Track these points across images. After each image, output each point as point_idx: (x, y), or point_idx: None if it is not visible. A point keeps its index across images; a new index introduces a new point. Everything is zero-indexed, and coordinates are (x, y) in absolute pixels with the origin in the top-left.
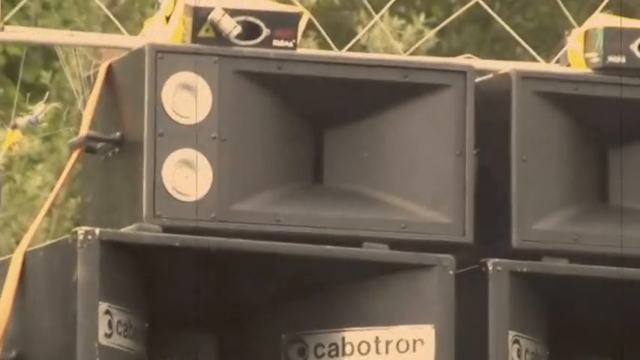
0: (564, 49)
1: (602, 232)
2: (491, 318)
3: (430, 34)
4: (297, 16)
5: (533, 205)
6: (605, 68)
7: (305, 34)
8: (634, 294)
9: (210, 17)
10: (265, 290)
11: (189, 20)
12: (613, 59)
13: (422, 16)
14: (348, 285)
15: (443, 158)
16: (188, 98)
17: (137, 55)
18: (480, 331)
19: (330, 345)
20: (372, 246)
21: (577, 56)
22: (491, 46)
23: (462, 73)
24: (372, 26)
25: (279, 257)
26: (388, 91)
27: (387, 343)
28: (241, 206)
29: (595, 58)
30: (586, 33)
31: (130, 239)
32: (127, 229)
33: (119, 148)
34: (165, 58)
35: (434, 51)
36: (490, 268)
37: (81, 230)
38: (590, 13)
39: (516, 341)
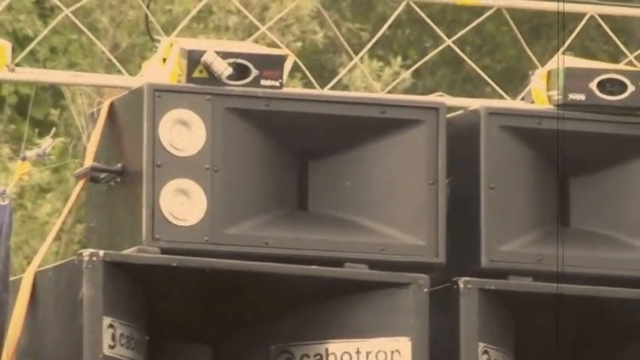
0: (528, 88)
1: (564, 253)
2: (462, 331)
3: (406, 74)
4: (283, 58)
5: (500, 229)
6: (566, 105)
7: (291, 75)
8: (593, 306)
9: (203, 59)
10: (255, 305)
11: (185, 62)
12: (573, 96)
13: (399, 59)
14: (331, 301)
15: (418, 187)
16: (183, 133)
17: (137, 93)
18: (452, 343)
19: (315, 355)
20: (353, 266)
21: (540, 94)
22: (462, 85)
23: (435, 109)
24: (353, 67)
25: (268, 276)
26: (368, 126)
27: (367, 354)
28: (232, 230)
29: (557, 95)
30: (549, 73)
31: (131, 260)
32: (128, 251)
33: (120, 178)
34: (163, 96)
35: (409, 90)
36: (461, 286)
37: (86, 252)
38: (552, 55)
39: (485, 352)
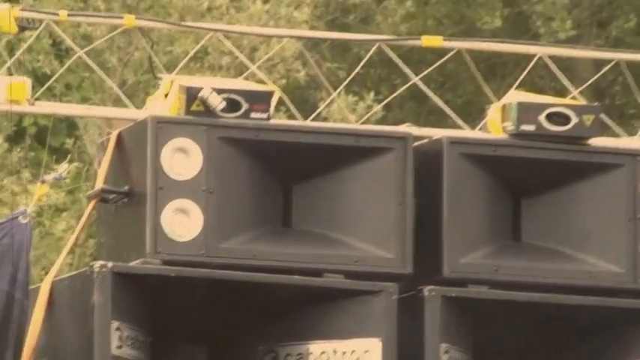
0: (485, 120)
1: (516, 264)
2: (426, 333)
3: (377, 108)
4: (270, 94)
5: (460, 244)
6: (519, 134)
7: (277, 108)
8: (547, 317)
9: (200, 95)
10: (245, 311)
11: (183, 97)
12: (525, 127)
13: (371, 94)
14: (311, 307)
15: (388, 206)
16: (182, 159)
17: (141, 124)
18: (418, 344)
19: (297, 354)
20: (330, 276)
21: (496, 125)
22: (426, 117)
23: (403, 138)
24: (331, 101)
25: (256, 285)
26: (344, 153)
27: (343, 353)
28: (225, 245)
29: (510, 126)
30: (503, 106)
31: (136, 271)
32: (133, 263)
33: (127, 199)
34: (164, 127)
35: (381, 121)
36: (426, 293)
37: (97, 264)
38: (506, 91)
39: (447, 351)
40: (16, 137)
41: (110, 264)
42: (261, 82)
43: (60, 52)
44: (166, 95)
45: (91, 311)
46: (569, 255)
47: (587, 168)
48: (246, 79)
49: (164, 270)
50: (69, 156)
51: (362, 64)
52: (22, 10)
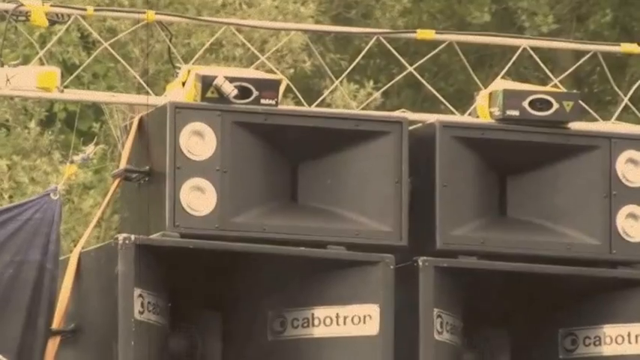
0: (474, 105)
1: (502, 237)
2: (421, 299)
3: (376, 95)
4: (278, 82)
5: (451, 218)
6: (504, 119)
7: (285, 95)
8: (528, 284)
9: (214, 83)
10: (255, 280)
11: (199, 85)
12: (510, 112)
13: (371, 82)
14: (316, 276)
15: (385, 184)
16: (198, 141)
17: (161, 110)
18: (413, 309)
19: (303, 319)
20: (333, 248)
21: (484, 110)
22: (421, 104)
23: (400, 123)
24: (334, 89)
25: (266, 256)
26: (345, 136)
27: (345, 317)
28: (237, 219)
29: (497, 111)
30: (490, 94)
31: (156, 243)
32: (154, 236)
33: (148, 178)
34: (182, 112)
35: (379, 107)
36: (420, 264)
37: (121, 237)
38: (494, 79)
39: (439, 316)
40: (47, 122)
41: (133, 237)
42: (270, 71)
43: (87, 44)
44: (184, 83)
45: (115, 280)
46: (550, 228)
47: (567, 149)
48: (257, 68)
49: (182, 242)
50: (95, 139)
51: (362, 55)
52: (52, 5)
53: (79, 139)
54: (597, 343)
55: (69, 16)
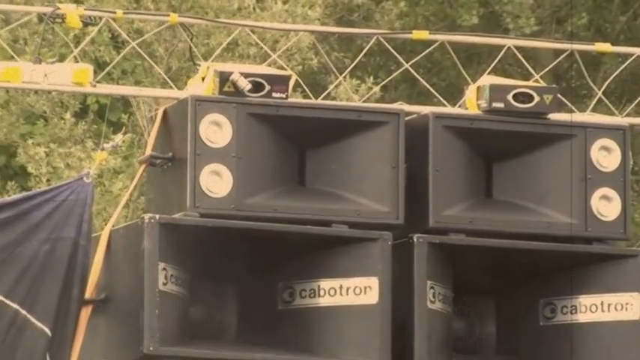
0: (464, 99)
1: (488, 217)
2: (415, 272)
3: (376, 89)
4: (288, 77)
5: (443, 200)
6: (491, 111)
7: (294, 89)
8: (512, 259)
9: (230, 78)
10: (267, 254)
11: (217, 80)
12: (496, 105)
13: (371, 78)
14: (321, 251)
15: (384, 169)
16: (216, 130)
17: (183, 102)
18: (408, 281)
19: (310, 289)
20: (337, 226)
21: (472, 103)
22: (416, 97)
23: (397, 114)
24: (338, 84)
25: (276, 234)
26: (348, 126)
27: (347, 288)
28: (251, 200)
29: (484, 104)
30: (478, 88)
31: (178, 222)
32: (176, 216)
33: (171, 163)
34: (202, 104)
35: (379, 100)
36: (415, 240)
37: (147, 216)
38: (481, 75)
39: (432, 287)
40: (81, 113)
41: (157, 216)
42: (281, 68)
43: (117, 43)
44: (203, 79)
45: (141, 255)
46: (532, 209)
47: (547, 138)
48: (269, 65)
49: (201, 221)
50: (124, 128)
51: (363, 53)
52: (86, 9)
53: (110, 128)
54: (573, 311)
55: (100, 18)
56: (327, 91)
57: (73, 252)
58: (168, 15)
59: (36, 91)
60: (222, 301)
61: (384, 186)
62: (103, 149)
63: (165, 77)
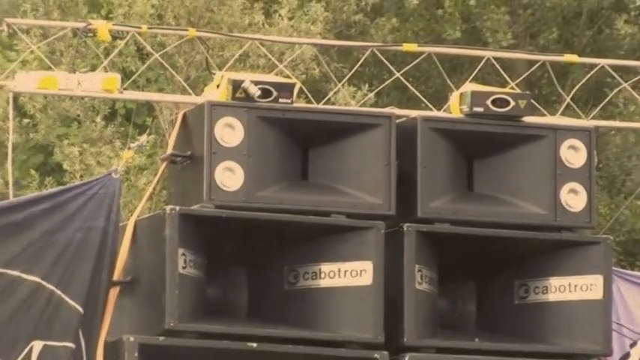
0: (448, 104)
1: (470, 208)
2: (405, 257)
3: (371, 95)
4: (293, 85)
5: (429, 193)
6: (472, 114)
7: (298, 96)
8: (491, 246)
9: (242, 85)
10: (275, 241)
11: (230, 87)
12: (476, 109)
13: (366, 86)
14: (322, 238)
15: (377, 166)
16: (229, 132)
17: (200, 107)
18: (399, 265)
19: (312, 272)
20: (336, 216)
21: (456, 107)
22: (406, 103)
23: (389, 117)
24: (337, 91)
25: (283, 223)
26: (346, 128)
27: (345, 271)
28: (260, 194)
29: (466, 108)
30: (461, 94)
31: (196, 213)
32: (194, 207)
33: (190, 161)
34: (216, 109)
35: (373, 105)
36: (405, 229)
37: (168, 208)
38: (464, 83)
39: (420, 270)
40: (110, 116)
41: (177, 208)
42: (286, 77)
43: (142, 55)
44: (218, 86)
45: (163, 242)
46: (508, 201)
47: (522, 138)
48: (276, 74)
49: (216, 212)
50: (148, 130)
51: (359, 63)
52: (114, 24)
53: (135, 130)
54: (545, 291)
55: (127, 33)
56: (327, 97)
57: (103, 239)
58: (187, 30)
59: (70, 97)
60: (235, 283)
61: (378, 181)
62: (129, 148)
63: (185, 85)
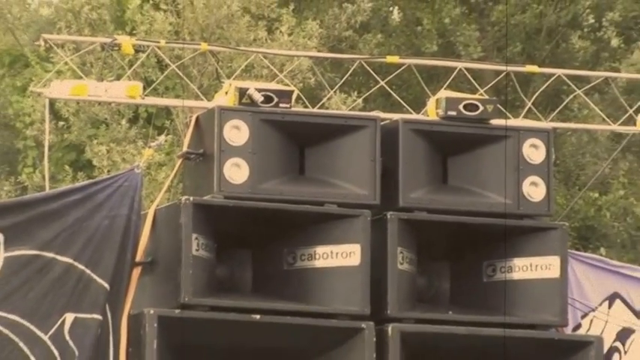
0: (426, 108)
1: (444, 199)
2: (389, 240)
3: (359, 101)
4: (291, 92)
5: (410, 185)
6: (446, 117)
7: (296, 101)
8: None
9: (247, 92)
10: (275, 227)
11: (237, 94)
12: (450, 113)
13: (355, 93)
14: (317, 224)
15: (364, 162)
16: (236, 132)
17: (211, 111)
18: (383, 247)
19: (308, 254)
20: (329, 205)
21: (432, 111)
22: (390, 107)
23: (374, 120)
24: (330, 97)
25: (282, 211)
26: (337, 129)
27: (337, 253)
28: (263, 186)
29: (441, 112)
30: (437, 100)
31: (208, 202)
32: (206, 198)
33: (202, 158)
34: (225, 112)
35: (361, 110)
36: (388, 216)
37: (183, 198)
38: (439, 90)
39: (401, 252)
40: (133, 119)
41: (191, 198)
42: (286, 85)
43: (161, 66)
44: (226, 93)
45: (179, 227)
46: (477, 192)
47: (489, 138)
48: (277, 83)
49: (225, 202)
50: (166, 131)
51: (349, 73)
52: (137, 40)
53: (155, 131)
54: (509, 271)
55: (148, 47)
56: (321, 102)
57: (127, 225)
58: (200, 44)
59: (99, 103)
60: (241, 263)
61: (365, 175)
62: (150, 147)
63: (198, 92)
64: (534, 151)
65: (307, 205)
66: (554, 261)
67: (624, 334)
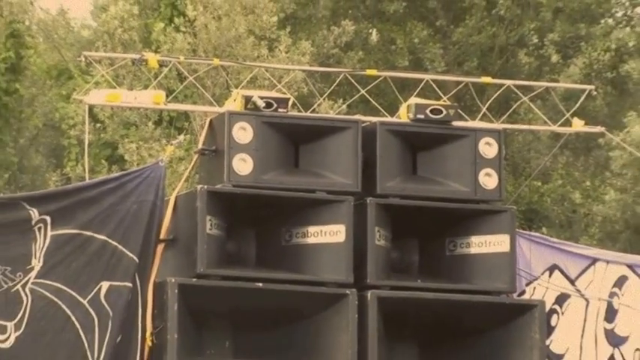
0: (399, 112)
1: (414, 187)
2: (368, 221)
3: (343, 106)
4: (288, 99)
5: (386, 175)
6: (416, 120)
7: (292, 107)
8: (429, 213)
9: (252, 99)
10: (276, 210)
11: (243, 101)
12: (419, 116)
13: (341, 100)
14: (309, 208)
15: (348, 157)
16: (243, 133)
17: (222, 115)
18: (363, 227)
19: (302, 233)
20: (319, 193)
21: (404, 115)
22: (370, 112)
23: (357, 122)
24: (320, 104)
25: (280, 197)
26: (326, 129)
27: (326, 232)
28: (265, 177)
29: (411, 115)
30: (408, 106)
31: (219, 190)
32: (217, 186)
33: (215, 153)
34: (233, 116)
35: (346, 114)
36: (368, 202)
37: (199, 187)
38: (409, 97)
39: (379, 231)
40: (158, 122)
41: (206, 186)
42: (284, 93)
43: (181, 78)
44: (235, 100)
45: (196, 210)
46: (442, 182)
47: (451, 137)
48: (277, 92)
49: (233, 190)
50: (185, 131)
51: (335, 84)
52: (161, 56)
53: (176, 132)
54: (467, 246)
55: (170, 62)
56: (312, 108)
57: (153, 209)
58: (213, 60)
59: (130, 108)
60: (246, 241)
61: (349, 168)
62: (172, 145)
63: (211, 99)
64: (488, 148)
65: (301, 193)
66: (504, 238)
67: (561, 299)
